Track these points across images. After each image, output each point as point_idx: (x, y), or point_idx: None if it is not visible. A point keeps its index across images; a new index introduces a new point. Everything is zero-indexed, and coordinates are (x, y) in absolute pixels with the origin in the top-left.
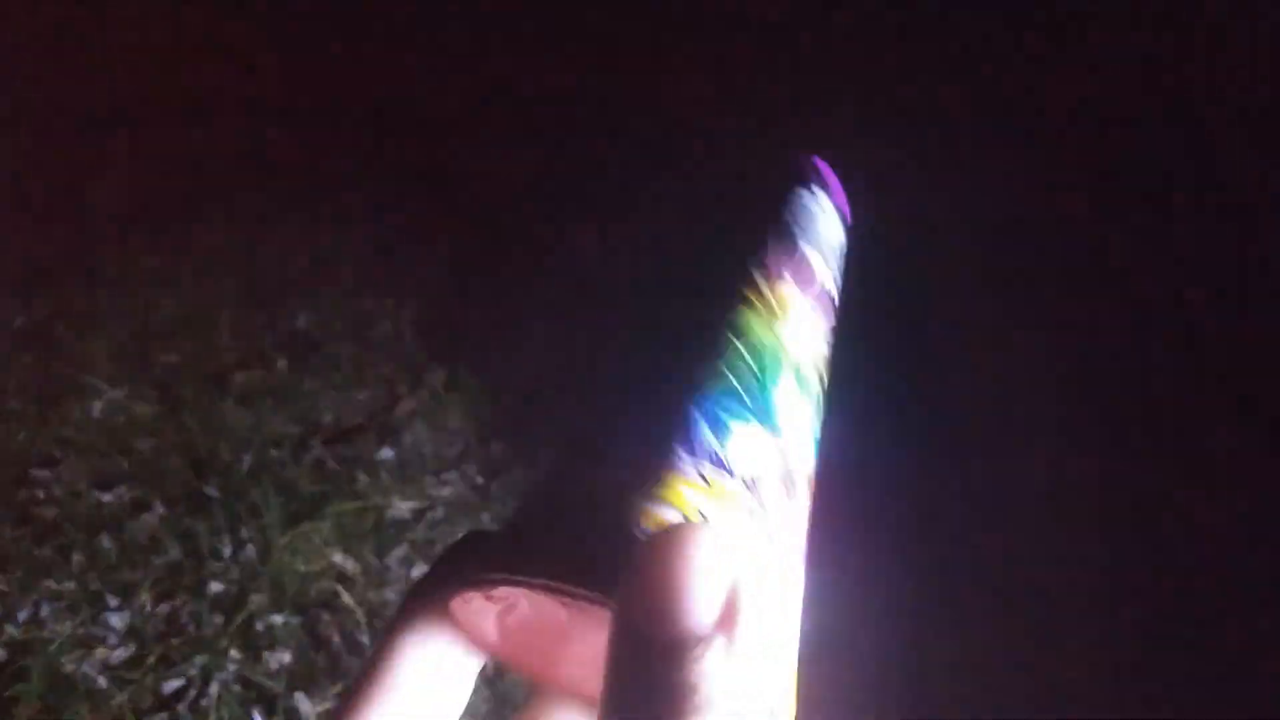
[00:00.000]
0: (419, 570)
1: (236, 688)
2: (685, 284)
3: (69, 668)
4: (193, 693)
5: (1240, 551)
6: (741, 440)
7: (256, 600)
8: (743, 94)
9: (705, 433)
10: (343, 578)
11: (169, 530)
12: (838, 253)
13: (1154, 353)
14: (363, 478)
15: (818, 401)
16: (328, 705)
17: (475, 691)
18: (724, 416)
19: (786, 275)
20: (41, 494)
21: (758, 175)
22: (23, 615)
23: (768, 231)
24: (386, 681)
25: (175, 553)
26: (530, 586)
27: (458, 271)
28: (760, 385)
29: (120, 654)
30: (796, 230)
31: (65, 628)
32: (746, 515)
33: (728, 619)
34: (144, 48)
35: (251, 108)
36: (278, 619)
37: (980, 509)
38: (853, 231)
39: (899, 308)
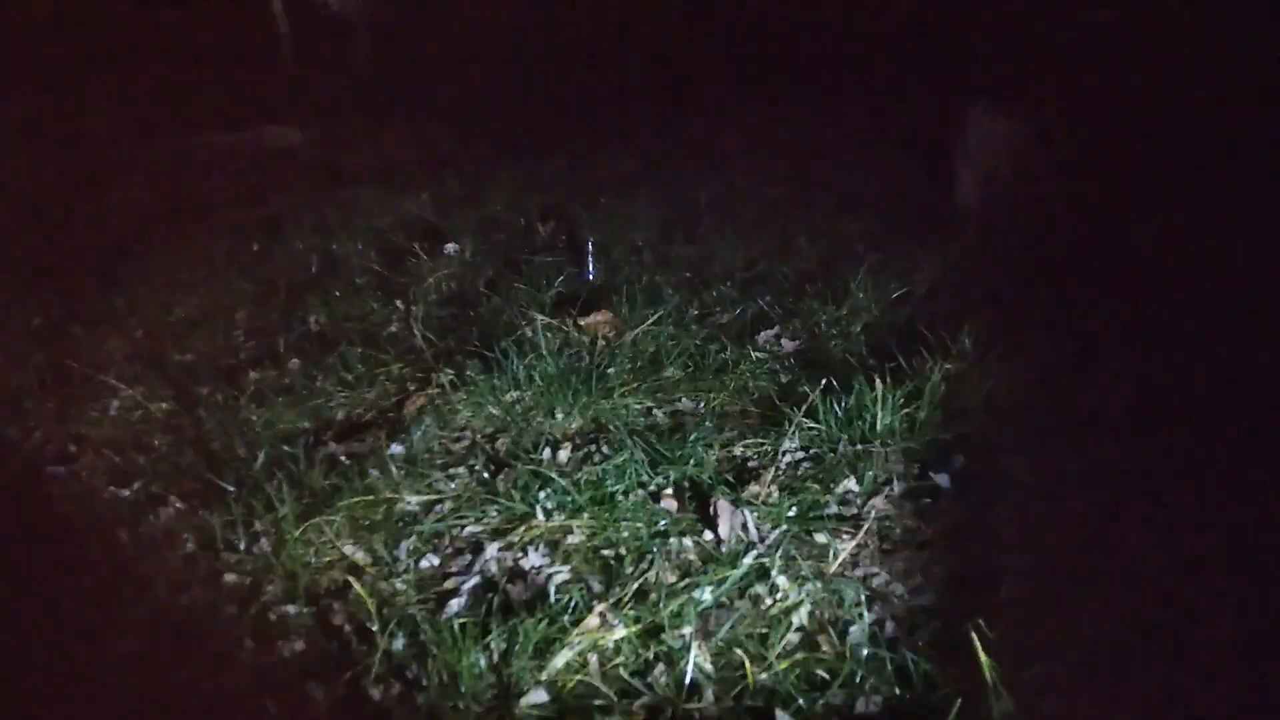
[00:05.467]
0: (428, 562)
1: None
2: None
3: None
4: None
5: None
6: None
7: (270, 591)
8: None
9: None
10: (354, 569)
11: (184, 524)
12: None
13: None
14: (373, 473)
15: None
16: (339, 694)
17: (480, 678)
18: None
19: None
20: (58, 490)
21: None
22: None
23: None
24: None
25: (191, 546)
26: None
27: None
28: None
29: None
30: None
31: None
32: None
33: None
34: (168, 48)
35: (272, 106)
36: (290, 609)
37: None
38: None
39: None
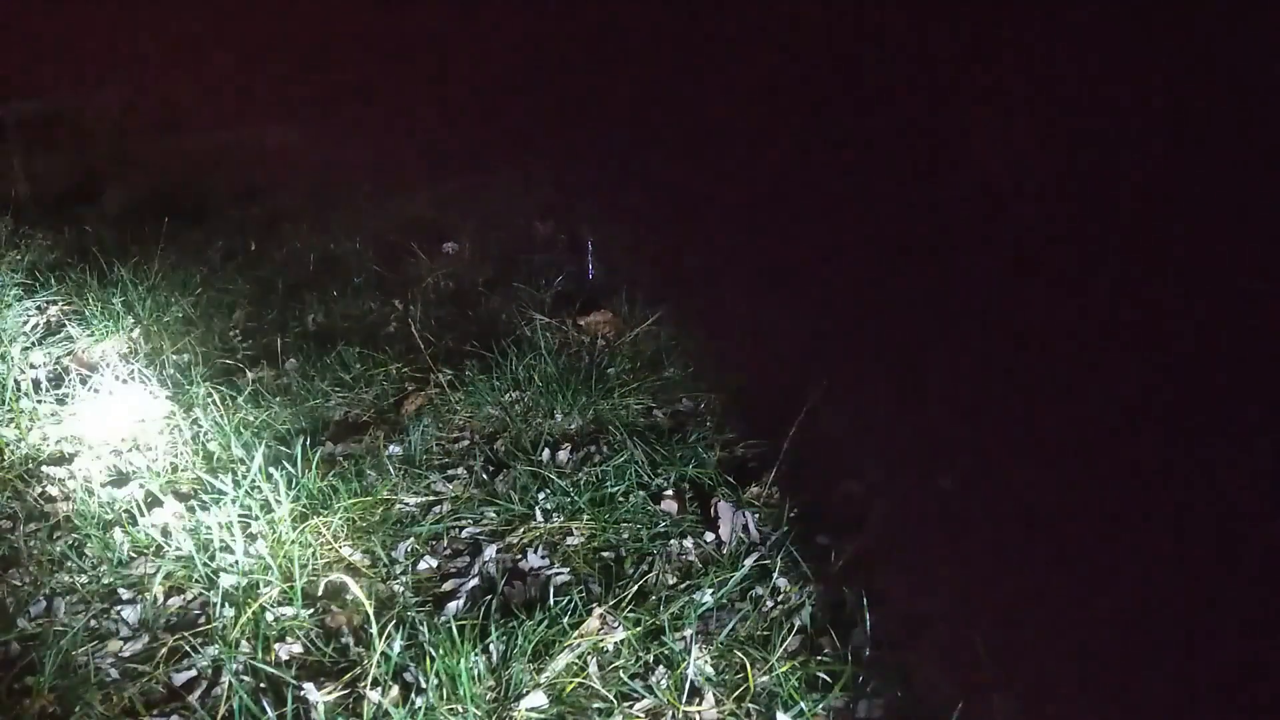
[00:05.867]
0: (426, 563)
1: (247, 678)
2: None
3: (81, 660)
4: (203, 684)
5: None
6: None
7: (267, 593)
8: None
9: None
10: (352, 570)
11: (181, 525)
12: None
13: None
14: (371, 473)
15: None
16: (337, 695)
17: (479, 680)
18: None
19: None
20: (55, 490)
21: None
22: (35, 609)
23: None
24: None
25: (188, 547)
26: None
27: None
28: None
29: (132, 646)
30: None
31: (78, 621)
32: None
33: None
34: (165, 46)
35: (270, 106)
36: (288, 611)
37: None
38: None
39: None
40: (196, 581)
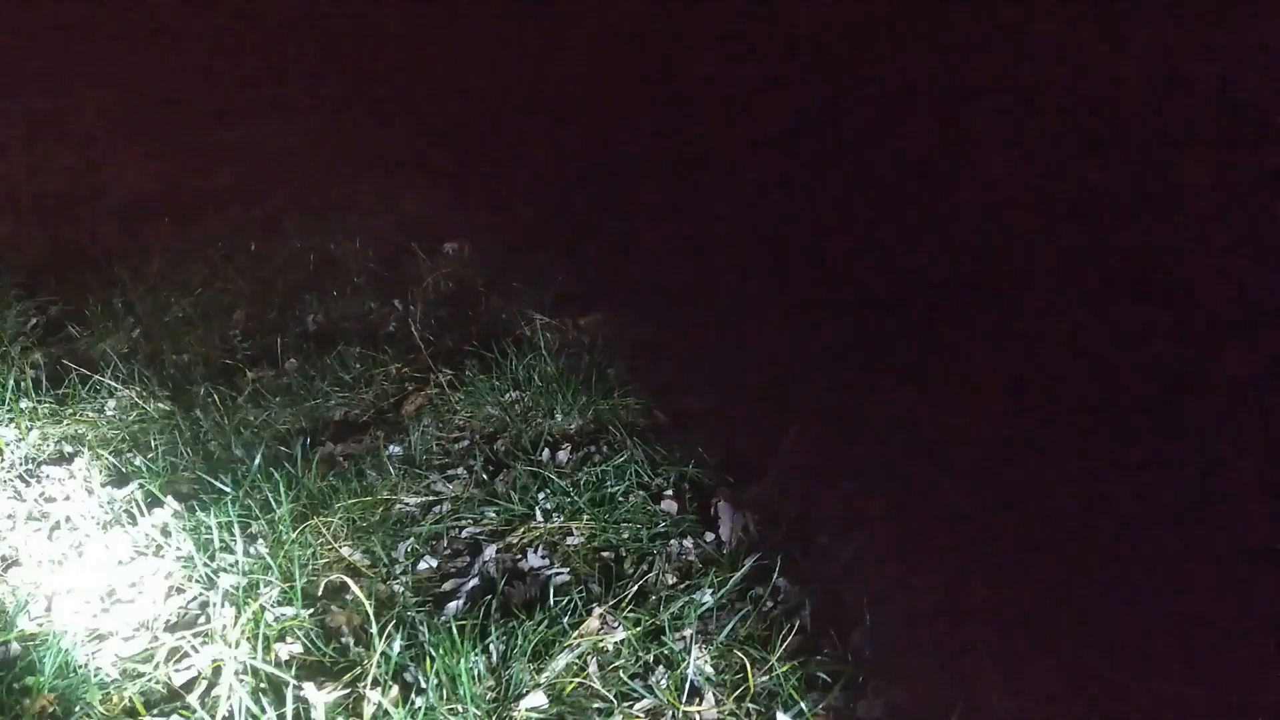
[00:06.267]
0: (426, 563)
1: (247, 678)
2: None
3: (81, 660)
4: (203, 684)
5: None
6: None
7: (267, 593)
8: None
9: None
10: (352, 570)
11: (181, 525)
12: None
13: None
14: (371, 473)
15: None
16: (337, 695)
17: (479, 680)
18: None
19: None
20: (55, 490)
21: None
22: (35, 609)
23: None
24: None
25: (187, 547)
26: None
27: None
28: None
29: (132, 646)
30: None
31: (78, 621)
32: None
33: None
34: (165, 47)
35: (269, 106)
36: (288, 611)
37: None
38: None
39: None
40: (196, 581)
